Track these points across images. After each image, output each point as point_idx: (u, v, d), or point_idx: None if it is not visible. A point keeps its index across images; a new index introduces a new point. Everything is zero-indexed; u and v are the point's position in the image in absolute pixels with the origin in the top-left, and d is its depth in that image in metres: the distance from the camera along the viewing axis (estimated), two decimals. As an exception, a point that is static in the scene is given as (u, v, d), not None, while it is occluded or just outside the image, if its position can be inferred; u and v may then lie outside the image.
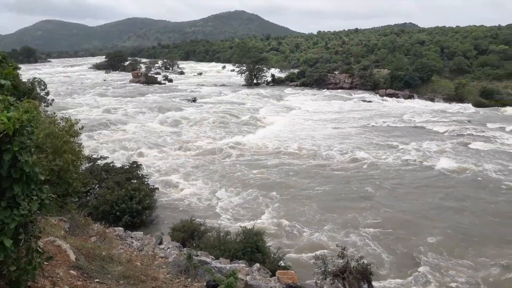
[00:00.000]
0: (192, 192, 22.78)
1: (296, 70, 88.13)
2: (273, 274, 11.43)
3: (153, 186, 21.50)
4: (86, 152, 23.61)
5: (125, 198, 17.69)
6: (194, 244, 13.96)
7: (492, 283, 14.41)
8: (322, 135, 37.71)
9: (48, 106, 40.38)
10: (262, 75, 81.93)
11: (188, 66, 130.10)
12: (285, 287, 10.33)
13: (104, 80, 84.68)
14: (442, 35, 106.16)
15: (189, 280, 8.12)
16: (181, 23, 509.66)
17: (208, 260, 10.46)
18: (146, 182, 21.08)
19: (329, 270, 13.40)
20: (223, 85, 79.50)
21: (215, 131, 38.61)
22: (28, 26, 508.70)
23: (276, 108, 53.29)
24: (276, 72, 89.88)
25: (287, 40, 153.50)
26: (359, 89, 69.64)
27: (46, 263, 5.18)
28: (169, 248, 11.02)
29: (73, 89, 66.50)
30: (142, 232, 12.67)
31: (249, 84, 78.92)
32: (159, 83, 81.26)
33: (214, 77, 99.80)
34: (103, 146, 31.16)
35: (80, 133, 10.55)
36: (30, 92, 27.84)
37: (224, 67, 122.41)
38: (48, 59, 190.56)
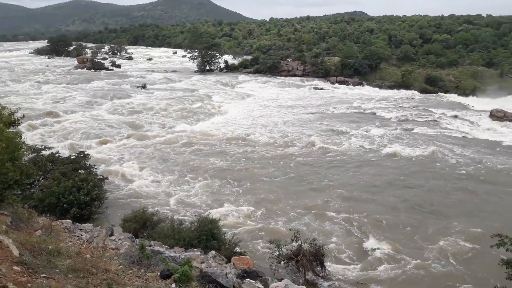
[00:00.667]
0: (144, 182, 22.10)
1: (249, 57, 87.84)
2: (229, 261, 11.50)
3: (102, 176, 20.73)
4: (29, 142, 22.47)
5: (73, 190, 16.94)
6: (147, 235, 13.70)
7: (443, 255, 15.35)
8: (282, 121, 37.99)
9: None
10: (215, 61, 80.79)
11: (137, 51, 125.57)
12: (241, 273, 10.43)
13: (47, 66, 79.90)
14: (390, 24, 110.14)
15: (142, 270, 7.99)
16: (129, 7, 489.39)
17: (162, 250, 10.33)
18: (94, 173, 20.30)
19: (283, 253, 13.73)
20: (174, 71, 77.72)
21: (168, 119, 37.63)
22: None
23: (231, 95, 52.86)
24: (229, 58, 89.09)
25: (240, 26, 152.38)
26: (311, 76, 70.67)
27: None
28: (120, 239, 10.74)
29: (13, 76, 62.31)
30: (91, 224, 12.24)
31: (202, 70, 77.60)
32: (106, 69, 77.94)
33: (165, 63, 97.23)
34: (48, 136, 29.58)
35: (19, 122, 9.88)
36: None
37: (175, 52, 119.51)
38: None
